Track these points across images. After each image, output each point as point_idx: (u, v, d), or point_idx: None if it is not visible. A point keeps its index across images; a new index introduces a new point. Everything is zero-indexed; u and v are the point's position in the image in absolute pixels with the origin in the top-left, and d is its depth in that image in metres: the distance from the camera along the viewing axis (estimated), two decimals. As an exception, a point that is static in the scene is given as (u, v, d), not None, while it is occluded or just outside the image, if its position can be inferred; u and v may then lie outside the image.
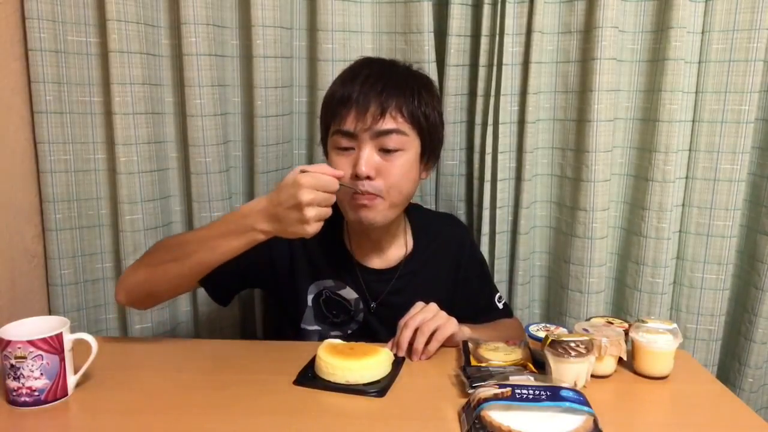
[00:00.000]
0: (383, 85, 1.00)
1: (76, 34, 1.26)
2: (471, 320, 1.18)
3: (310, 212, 0.87)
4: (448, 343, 1.01)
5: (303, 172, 0.88)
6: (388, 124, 0.99)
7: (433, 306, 1.01)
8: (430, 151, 1.08)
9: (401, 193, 1.04)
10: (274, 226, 0.90)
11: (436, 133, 1.08)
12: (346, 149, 1.02)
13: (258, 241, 0.93)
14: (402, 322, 0.99)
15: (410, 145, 1.03)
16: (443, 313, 1.00)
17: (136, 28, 1.24)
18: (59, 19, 1.23)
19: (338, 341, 0.97)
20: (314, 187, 0.87)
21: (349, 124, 0.99)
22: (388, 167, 1.01)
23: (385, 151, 1.01)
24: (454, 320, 1.01)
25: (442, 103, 1.09)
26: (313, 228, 0.88)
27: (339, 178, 0.91)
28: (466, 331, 1.03)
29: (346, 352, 0.93)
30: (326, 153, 1.08)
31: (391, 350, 0.99)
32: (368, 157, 0.99)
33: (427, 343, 0.98)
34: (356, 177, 1.00)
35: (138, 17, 1.24)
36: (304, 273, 1.12)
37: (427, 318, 0.98)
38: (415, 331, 0.98)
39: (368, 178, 1.00)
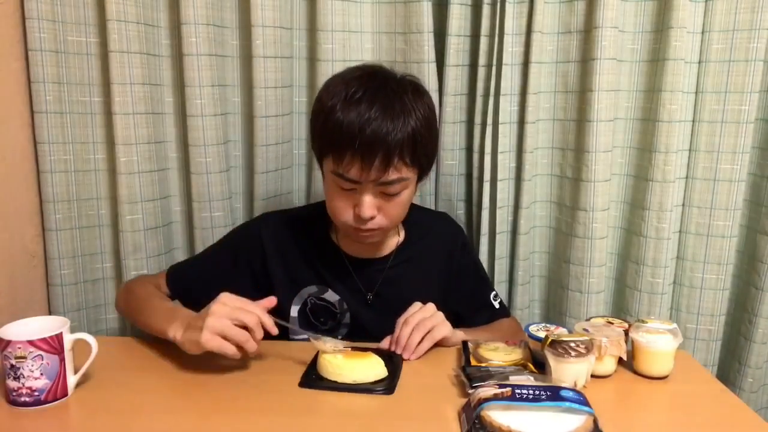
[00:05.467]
0: (387, 129, 0.95)
1: (76, 34, 1.26)
2: (467, 317, 1.18)
3: (212, 330, 0.88)
4: (441, 343, 1.03)
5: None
6: (391, 175, 0.97)
7: (431, 306, 1.02)
8: (427, 173, 1.08)
9: (399, 220, 1.08)
10: (182, 332, 0.92)
11: (433, 159, 1.08)
12: (347, 190, 1.01)
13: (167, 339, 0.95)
14: (401, 319, 1.01)
15: (410, 182, 1.02)
16: (440, 314, 1.02)
17: (136, 28, 1.24)
18: (59, 19, 1.23)
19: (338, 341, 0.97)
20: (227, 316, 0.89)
21: (353, 174, 0.96)
22: (389, 206, 1.01)
23: (385, 193, 1.01)
24: (448, 323, 1.03)
25: (433, 103, 1.06)
26: (204, 338, 0.87)
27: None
28: (459, 335, 1.05)
29: (349, 352, 0.93)
30: (323, 173, 1.06)
31: (389, 347, 1.00)
32: (370, 202, 0.99)
33: (421, 341, 1.00)
34: (358, 218, 1.01)
35: (138, 17, 1.24)
36: (285, 288, 1.12)
37: (425, 317, 1.00)
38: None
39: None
